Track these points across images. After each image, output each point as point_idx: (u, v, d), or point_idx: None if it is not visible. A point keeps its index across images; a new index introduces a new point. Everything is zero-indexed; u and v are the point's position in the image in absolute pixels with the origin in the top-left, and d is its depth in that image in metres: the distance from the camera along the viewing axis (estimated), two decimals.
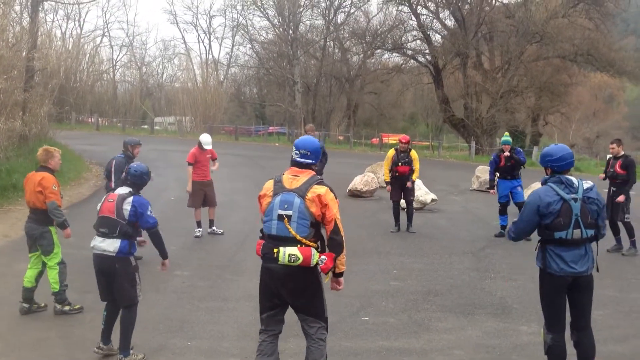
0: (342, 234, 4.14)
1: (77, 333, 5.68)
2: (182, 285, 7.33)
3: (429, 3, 38.43)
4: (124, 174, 5.60)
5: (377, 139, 39.63)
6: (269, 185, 4.20)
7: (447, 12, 38.34)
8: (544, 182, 4.47)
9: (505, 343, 5.64)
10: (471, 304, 6.81)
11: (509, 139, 10.88)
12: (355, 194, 15.06)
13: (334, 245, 4.12)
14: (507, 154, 10.54)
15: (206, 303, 6.66)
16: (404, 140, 10.73)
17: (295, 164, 4.26)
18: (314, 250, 4.04)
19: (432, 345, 5.59)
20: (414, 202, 11.27)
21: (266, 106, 51.32)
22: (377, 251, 9.37)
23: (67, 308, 6.22)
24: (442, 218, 12.64)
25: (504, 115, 34.93)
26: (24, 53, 17.53)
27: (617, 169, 9.31)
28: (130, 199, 5.06)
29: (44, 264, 6.32)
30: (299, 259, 3.98)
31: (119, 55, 55.04)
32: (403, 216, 10.96)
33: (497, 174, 10.87)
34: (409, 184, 10.68)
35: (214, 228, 10.28)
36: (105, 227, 5.02)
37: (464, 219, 12.67)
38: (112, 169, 8.37)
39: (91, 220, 5.36)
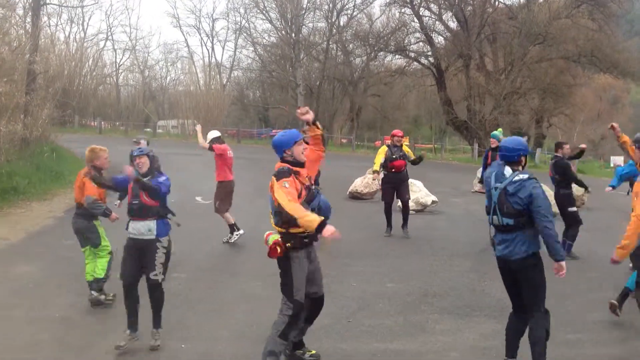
0: (288, 209, 4.33)
1: (71, 335, 5.66)
2: (178, 287, 7.29)
3: (432, 5, 38.52)
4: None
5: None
6: None
7: (449, 14, 38.43)
8: None
9: (502, 344, 5.55)
10: (469, 306, 6.77)
11: (495, 132, 10.61)
12: (356, 196, 15.04)
13: (285, 220, 4.52)
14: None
15: (202, 305, 6.64)
16: (399, 134, 10.47)
17: None
18: (270, 236, 4.61)
19: (428, 347, 5.55)
20: (409, 202, 10.73)
21: (269, 109, 51.35)
22: (375, 253, 9.31)
23: (102, 297, 6.47)
24: (442, 220, 12.59)
25: (507, 117, 34.85)
26: (27, 56, 17.55)
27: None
28: None
29: None
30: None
31: (122, 58, 55.22)
32: (397, 219, 10.49)
33: None
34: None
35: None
36: None
37: (464, 220, 12.61)
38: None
39: None
